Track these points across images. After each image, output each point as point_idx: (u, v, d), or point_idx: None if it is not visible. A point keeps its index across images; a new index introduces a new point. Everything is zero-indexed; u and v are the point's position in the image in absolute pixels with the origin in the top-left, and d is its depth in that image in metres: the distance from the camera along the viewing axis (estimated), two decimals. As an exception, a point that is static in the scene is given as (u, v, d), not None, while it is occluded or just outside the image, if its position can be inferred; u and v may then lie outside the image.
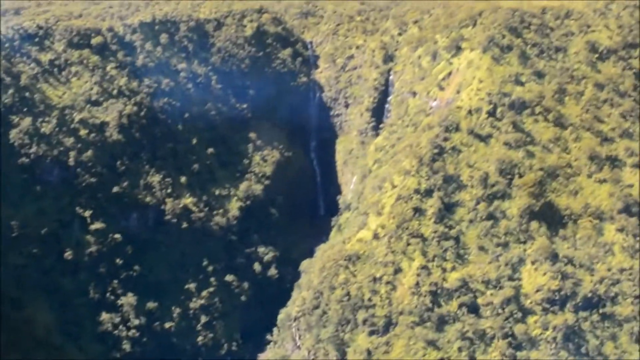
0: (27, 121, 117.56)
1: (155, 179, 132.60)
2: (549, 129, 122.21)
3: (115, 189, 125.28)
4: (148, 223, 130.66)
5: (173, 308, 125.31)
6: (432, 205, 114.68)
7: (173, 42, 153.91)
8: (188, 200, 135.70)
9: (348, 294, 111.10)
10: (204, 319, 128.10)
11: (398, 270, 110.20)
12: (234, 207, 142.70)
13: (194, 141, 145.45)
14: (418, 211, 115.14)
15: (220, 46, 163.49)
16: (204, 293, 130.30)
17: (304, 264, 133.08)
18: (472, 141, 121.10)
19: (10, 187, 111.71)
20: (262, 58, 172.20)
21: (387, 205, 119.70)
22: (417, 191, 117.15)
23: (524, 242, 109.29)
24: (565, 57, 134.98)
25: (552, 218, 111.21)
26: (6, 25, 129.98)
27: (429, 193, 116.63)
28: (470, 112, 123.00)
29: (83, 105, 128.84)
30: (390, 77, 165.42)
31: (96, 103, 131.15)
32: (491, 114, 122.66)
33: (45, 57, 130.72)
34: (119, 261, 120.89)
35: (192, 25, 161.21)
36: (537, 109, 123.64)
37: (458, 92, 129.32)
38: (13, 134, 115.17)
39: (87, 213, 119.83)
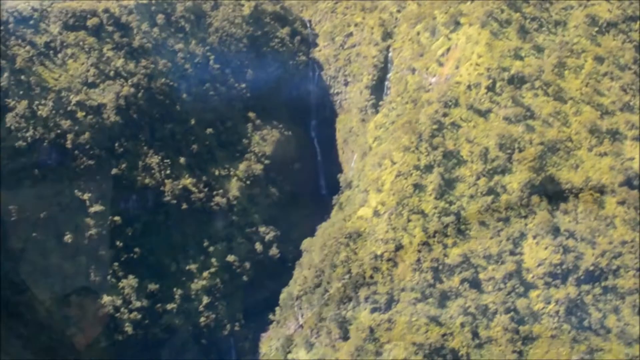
0: (23, 104, 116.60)
1: (154, 160, 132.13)
2: (549, 103, 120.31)
3: (114, 171, 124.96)
4: (148, 205, 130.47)
5: (174, 289, 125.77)
6: (432, 181, 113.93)
7: (169, 22, 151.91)
8: (187, 181, 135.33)
9: (349, 271, 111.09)
10: (205, 299, 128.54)
11: (399, 247, 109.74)
12: (233, 187, 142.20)
13: (192, 122, 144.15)
14: (418, 187, 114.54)
15: (218, 26, 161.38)
16: (205, 274, 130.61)
17: (305, 243, 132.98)
18: (472, 116, 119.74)
19: (7, 171, 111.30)
20: (260, 37, 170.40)
21: (387, 182, 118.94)
22: (416, 167, 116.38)
23: (525, 217, 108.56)
24: (564, 30, 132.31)
25: (553, 192, 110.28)
26: (1, 8, 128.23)
27: (428, 169, 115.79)
28: (469, 87, 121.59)
29: (80, 87, 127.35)
30: (389, 54, 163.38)
31: (93, 85, 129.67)
32: (490, 88, 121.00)
33: (40, 40, 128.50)
34: (119, 244, 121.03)
35: (188, 5, 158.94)
36: (537, 83, 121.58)
37: (457, 67, 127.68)
38: (9, 117, 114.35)
39: (86, 196, 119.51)
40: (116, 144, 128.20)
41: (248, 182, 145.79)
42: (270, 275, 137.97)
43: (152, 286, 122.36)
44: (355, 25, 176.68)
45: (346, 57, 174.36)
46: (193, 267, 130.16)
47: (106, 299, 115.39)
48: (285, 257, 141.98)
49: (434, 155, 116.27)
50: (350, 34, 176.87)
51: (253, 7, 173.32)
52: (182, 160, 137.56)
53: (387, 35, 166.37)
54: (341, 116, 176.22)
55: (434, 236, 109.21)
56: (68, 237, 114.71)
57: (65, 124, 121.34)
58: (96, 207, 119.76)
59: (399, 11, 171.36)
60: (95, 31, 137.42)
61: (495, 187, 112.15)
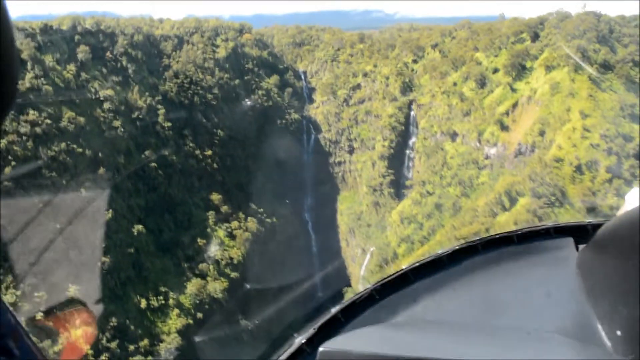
0: None
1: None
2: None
3: None
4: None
5: None
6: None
7: (103, 60, 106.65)
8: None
9: None
10: None
11: None
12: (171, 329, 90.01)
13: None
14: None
15: (178, 69, 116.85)
16: None
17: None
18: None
19: None
20: (237, 88, 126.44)
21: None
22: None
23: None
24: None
25: None
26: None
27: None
28: (579, 168, 75.16)
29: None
30: (412, 113, 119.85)
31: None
32: (613, 171, 74.33)
33: None
34: None
35: (138, 39, 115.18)
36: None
37: (542, 133, 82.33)
38: None
39: None
40: None
41: (197, 317, 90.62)
42: None
43: None
44: (364, 75, 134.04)
45: (352, 117, 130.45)
46: None
47: None
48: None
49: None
50: (358, 87, 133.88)
51: (231, 49, 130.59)
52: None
53: (408, 87, 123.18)
54: (345, 193, 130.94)
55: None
56: None
57: None
58: None
59: (415, 61, 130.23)
60: None
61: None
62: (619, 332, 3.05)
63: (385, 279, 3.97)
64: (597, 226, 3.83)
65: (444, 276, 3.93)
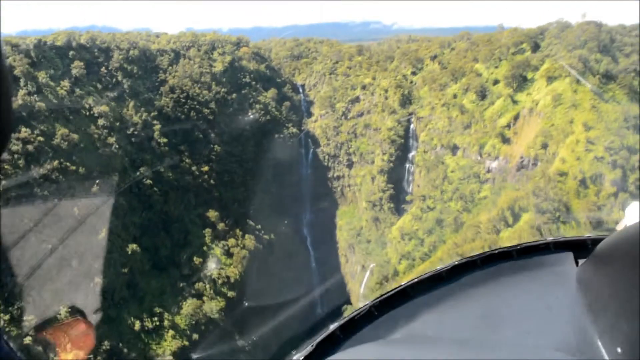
0: None
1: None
2: None
3: None
4: None
5: None
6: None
7: (98, 75, 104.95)
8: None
9: None
10: None
11: None
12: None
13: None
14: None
15: (174, 84, 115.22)
16: None
17: None
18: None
19: None
20: (234, 102, 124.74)
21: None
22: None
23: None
24: None
25: None
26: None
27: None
28: (583, 182, 73.12)
29: None
30: (411, 126, 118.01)
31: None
32: (618, 184, 72.32)
33: None
34: None
35: (134, 55, 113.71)
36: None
37: (545, 146, 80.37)
38: None
39: None
40: None
41: (192, 338, 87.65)
42: None
43: None
44: (363, 87, 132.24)
45: (350, 130, 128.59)
46: None
47: None
48: None
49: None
50: (357, 99, 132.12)
51: (228, 63, 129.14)
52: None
53: (407, 99, 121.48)
54: (344, 208, 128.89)
55: None
56: None
57: None
58: None
59: (414, 73, 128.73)
60: None
61: None
62: (619, 349, 3.01)
63: (384, 295, 3.93)
64: (596, 241, 3.82)
65: (443, 292, 3.90)
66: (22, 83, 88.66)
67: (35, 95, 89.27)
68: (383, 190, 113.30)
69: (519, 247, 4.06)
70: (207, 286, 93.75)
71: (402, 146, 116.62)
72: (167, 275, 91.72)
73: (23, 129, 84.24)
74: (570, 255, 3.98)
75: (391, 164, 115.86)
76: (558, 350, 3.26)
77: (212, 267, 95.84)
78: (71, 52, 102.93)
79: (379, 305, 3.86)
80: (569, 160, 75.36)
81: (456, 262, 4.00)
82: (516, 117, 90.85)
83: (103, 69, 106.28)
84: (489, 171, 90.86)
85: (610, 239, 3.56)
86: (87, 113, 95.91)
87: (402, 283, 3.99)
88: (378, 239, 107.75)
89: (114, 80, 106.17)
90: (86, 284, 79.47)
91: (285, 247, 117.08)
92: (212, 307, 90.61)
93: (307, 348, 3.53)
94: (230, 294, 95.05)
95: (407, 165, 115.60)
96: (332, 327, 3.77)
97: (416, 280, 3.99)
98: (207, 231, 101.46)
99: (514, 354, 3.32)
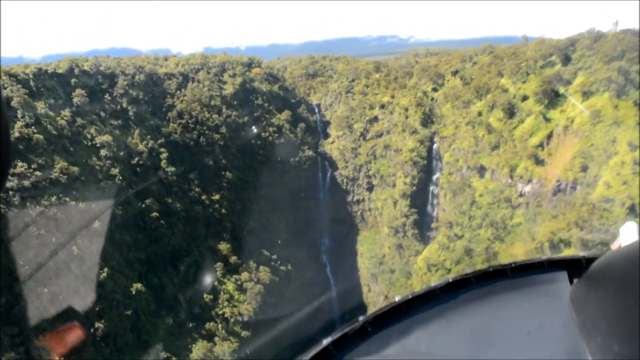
0: None
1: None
2: None
3: None
4: None
5: None
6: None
7: (101, 103, 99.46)
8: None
9: None
10: None
11: None
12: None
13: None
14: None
15: (182, 109, 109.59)
16: None
17: None
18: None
19: None
20: (246, 126, 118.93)
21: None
22: None
23: None
24: None
25: None
26: None
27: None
28: (632, 210, 65.14)
29: None
30: (434, 146, 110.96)
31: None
32: None
33: None
34: None
35: (140, 80, 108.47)
36: None
37: (584, 168, 72.66)
38: None
39: None
40: None
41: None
42: None
43: None
44: (382, 106, 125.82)
45: (370, 151, 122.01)
46: None
47: None
48: None
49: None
50: (375, 119, 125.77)
51: (239, 85, 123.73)
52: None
53: (428, 118, 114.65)
54: (365, 233, 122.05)
55: None
56: None
57: None
58: None
59: (435, 90, 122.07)
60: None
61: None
62: None
63: (377, 311, 3.89)
64: (591, 260, 3.82)
65: (437, 309, 3.89)
66: (19, 115, 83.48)
67: (33, 127, 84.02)
68: (406, 216, 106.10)
69: (513, 265, 3.99)
70: (219, 326, 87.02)
71: (425, 168, 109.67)
72: (175, 315, 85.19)
73: (20, 163, 78.83)
74: (564, 274, 3.96)
75: (414, 187, 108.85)
76: None
77: (223, 304, 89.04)
78: (73, 80, 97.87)
79: (373, 321, 3.77)
80: (615, 185, 67.47)
81: (450, 280, 3.92)
82: (549, 136, 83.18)
83: (107, 96, 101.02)
84: (521, 195, 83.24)
85: (604, 259, 3.51)
86: (89, 143, 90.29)
87: (396, 299, 3.87)
88: (402, 269, 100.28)
89: (119, 107, 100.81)
90: (86, 328, 73.64)
91: (304, 278, 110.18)
92: (225, 349, 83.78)
93: None
94: (244, 333, 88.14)
95: (431, 188, 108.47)
96: (325, 342, 3.62)
97: (410, 297, 3.91)
98: (219, 265, 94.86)
99: None
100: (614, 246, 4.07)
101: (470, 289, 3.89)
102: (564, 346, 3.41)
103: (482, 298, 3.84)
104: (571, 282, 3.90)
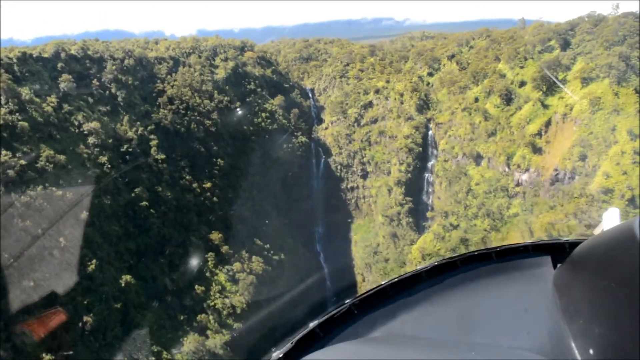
0: None
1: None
2: None
3: None
4: None
5: None
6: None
7: (88, 88, 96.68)
8: None
9: None
10: None
11: None
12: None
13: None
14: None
15: (173, 94, 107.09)
16: None
17: None
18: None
19: None
20: (238, 111, 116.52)
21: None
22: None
23: None
24: None
25: None
26: None
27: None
28: (632, 202, 63.49)
29: None
30: (430, 133, 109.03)
31: None
32: None
33: None
34: None
35: (130, 63, 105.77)
36: None
37: (583, 158, 70.95)
38: None
39: None
40: None
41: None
42: None
43: None
44: (376, 91, 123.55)
45: (364, 138, 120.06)
46: None
47: None
48: None
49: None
50: (370, 104, 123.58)
51: (231, 69, 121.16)
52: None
53: (424, 104, 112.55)
54: (359, 221, 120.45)
55: None
56: None
57: None
58: None
59: (431, 74, 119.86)
60: None
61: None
62: (591, 351, 3.14)
63: (364, 293, 3.94)
64: (574, 245, 3.86)
65: (423, 292, 3.92)
66: (3, 101, 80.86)
67: (17, 114, 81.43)
68: (401, 204, 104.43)
69: (498, 249, 4.04)
70: (211, 318, 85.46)
71: (421, 155, 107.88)
72: (166, 307, 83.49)
73: (3, 152, 76.44)
74: (548, 259, 3.99)
75: (409, 175, 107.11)
76: (532, 351, 3.30)
77: (215, 296, 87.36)
78: (60, 64, 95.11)
79: (359, 304, 3.82)
80: (614, 175, 65.83)
81: (436, 263, 3.95)
82: (548, 124, 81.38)
83: (95, 81, 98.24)
84: (518, 184, 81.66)
85: (587, 244, 3.57)
86: (76, 131, 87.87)
87: (383, 282, 3.91)
88: (397, 258, 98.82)
89: (107, 92, 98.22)
90: (74, 323, 71.89)
91: (297, 267, 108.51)
92: (217, 341, 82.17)
93: (287, 345, 3.50)
94: (237, 325, 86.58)
95: (426, 176, 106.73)
96: (312, 324, 3.66)
97: (396, 279, 3.94)
98: (210, 255, 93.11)
99: (489, 355, 3.33)
100: (597, 231, 4.11)
101: (456, 272, 3.91)
102: (547, 329, 3.43)
103: (467, 281, 3.86)
104: (555, 266, 3.89)
